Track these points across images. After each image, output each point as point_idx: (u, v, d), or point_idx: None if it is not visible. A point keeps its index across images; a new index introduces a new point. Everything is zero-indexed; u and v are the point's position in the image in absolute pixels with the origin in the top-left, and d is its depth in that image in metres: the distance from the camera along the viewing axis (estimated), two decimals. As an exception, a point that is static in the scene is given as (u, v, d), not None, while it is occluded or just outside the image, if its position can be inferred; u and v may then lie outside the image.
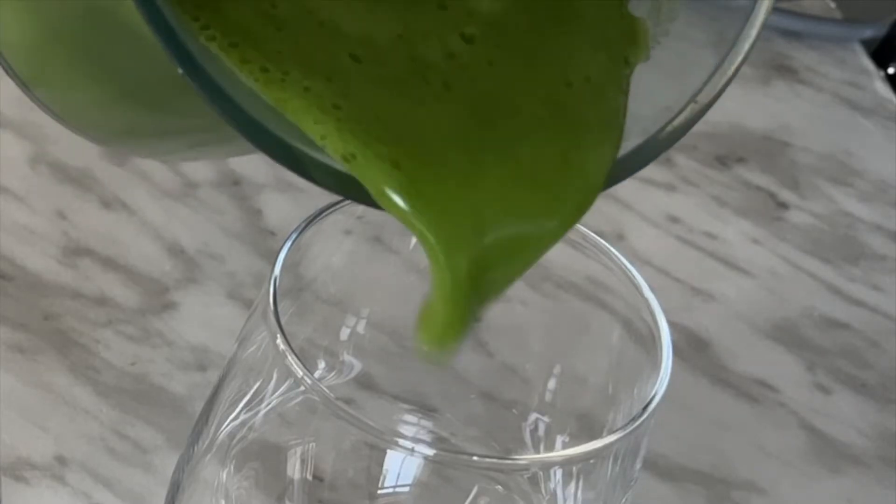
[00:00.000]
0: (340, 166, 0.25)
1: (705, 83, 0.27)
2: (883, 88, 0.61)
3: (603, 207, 0.51)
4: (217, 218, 0.47)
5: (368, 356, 0.34)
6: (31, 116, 0.49)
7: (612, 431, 0.28)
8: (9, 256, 0.44)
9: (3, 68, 0.28)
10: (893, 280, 0.51)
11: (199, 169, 0.49)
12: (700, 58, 0.27)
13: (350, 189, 0.25)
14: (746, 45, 0.27)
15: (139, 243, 0.46)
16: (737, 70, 0.27)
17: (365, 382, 0.35)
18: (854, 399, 0.47)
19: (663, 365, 0.29)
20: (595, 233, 0.31)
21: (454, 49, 0.27)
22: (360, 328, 0.34)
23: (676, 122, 0.27)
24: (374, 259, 0.33)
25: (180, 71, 0.23)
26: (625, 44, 0.28)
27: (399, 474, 0.30)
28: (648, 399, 0.28)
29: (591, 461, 0.28)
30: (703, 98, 0.27)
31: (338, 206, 0.31)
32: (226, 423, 0.30)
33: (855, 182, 0.56)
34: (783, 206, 0.54)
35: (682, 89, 0.27)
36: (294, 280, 0.30)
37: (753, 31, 0.27)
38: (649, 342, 0.30)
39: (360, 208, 0.31)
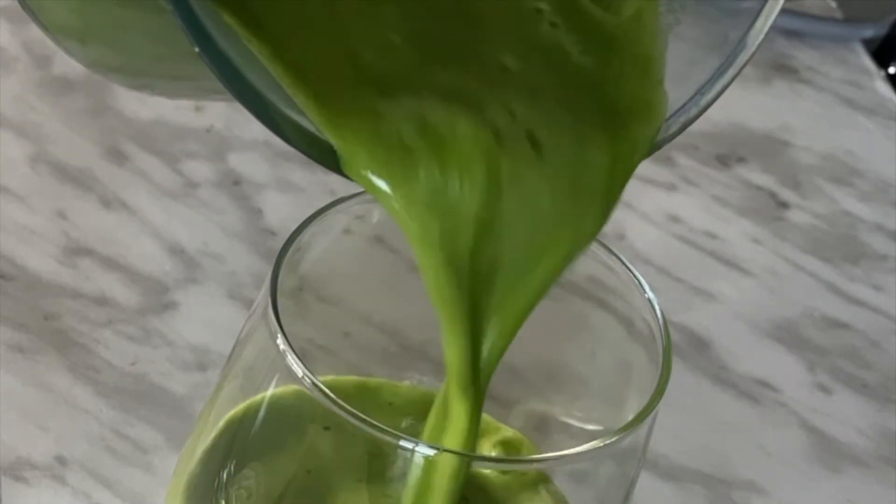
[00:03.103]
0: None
1: (719, 69, 0.27)
2: (884, 88, 0.61)
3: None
4: (217, 218, 0.47)
5: (368, 356, 0.34)
6: (31, 116, 0.49)
7: (612, 431, 0.28)
8: (9, 256, 0.44)
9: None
10: (894, 280, 0.51)
11: (199, 169, 0.49)
12: (711, 48, 0.27)
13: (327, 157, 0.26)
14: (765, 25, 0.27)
15: (139, 243, 0.46)
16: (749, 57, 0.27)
17: (365, 382, 0.35)
18: (854, 399, 0.46)
19: (663, 365, 0.29)
20: (595, 233, 0.31)
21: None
22: (360, 328, 0.34)
23: (679, 120, 0.27)
24: (374, 259, 0.33)
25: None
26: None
27: (399, 474, 0.30)
28: (649, 399, 0.28)
29: (592, 461, 0.28)
30: (712, 88, 0.27)
31: (338, 206, 0.31)
32: (226, 423, 0.30)
33: (855, 182, 0.56)
34: (784, 205, 0.54)
35: (688, 83, 0.27)
36: (294, 280, 0.30)
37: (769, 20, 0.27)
38: (649, 342, 0.30)
39: (360, 208, 0.31)
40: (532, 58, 0.27)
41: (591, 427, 0.33)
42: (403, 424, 0.32)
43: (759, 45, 0.27)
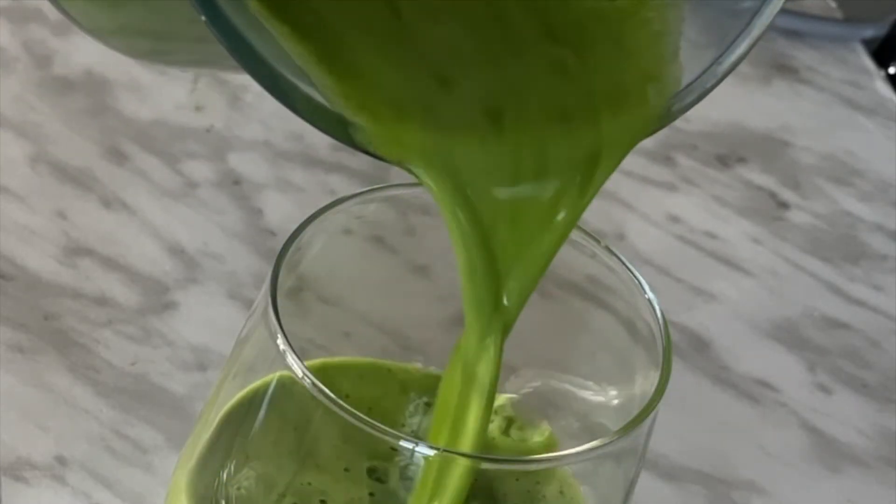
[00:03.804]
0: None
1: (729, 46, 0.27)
2: (884, 88, 0.61)
3: (603, 207, 0.51)
4: (217, 218, 0.47)
5: (368, 356, 0.34)
6: (31, 116, 0.49)
7: (612, 431, 0.28)
8: (9, 256, 0.44)
9: None
10: (894, 280, 0.51)
11: (199, 169, 0.49)
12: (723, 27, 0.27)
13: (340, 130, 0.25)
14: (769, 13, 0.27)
15: (139, 243, 0.46)
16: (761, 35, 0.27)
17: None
18: (854, 399, 0.46)
19: (663, 365, 0.29)
20: (595, 233, 0.31)
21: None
22: (360, 328, 0.34)
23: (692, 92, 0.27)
24: (374, 259, 0.33)
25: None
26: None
27: (400, 474, 0.30)
28: (649, 399, 0.28)
29: (592, 461, 0.28)
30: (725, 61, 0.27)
31: (338, 206, 0.31)
32: (226, 423, 0.30)
33: (855, 182, 0.56)
34: (784, 205, 0.54)
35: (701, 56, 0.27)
36: (294, 280, 0.30)
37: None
38: (649, 342, 0.30)
39: (360, 208, 0.31)
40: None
41: (590, 427, 0.33)
42: (416, 403, 0.33)
43: (775, 16, 0.27)
